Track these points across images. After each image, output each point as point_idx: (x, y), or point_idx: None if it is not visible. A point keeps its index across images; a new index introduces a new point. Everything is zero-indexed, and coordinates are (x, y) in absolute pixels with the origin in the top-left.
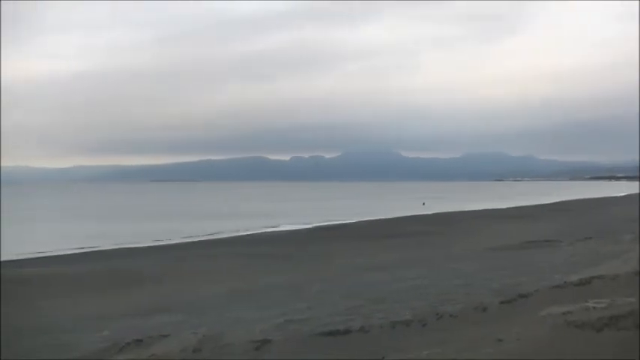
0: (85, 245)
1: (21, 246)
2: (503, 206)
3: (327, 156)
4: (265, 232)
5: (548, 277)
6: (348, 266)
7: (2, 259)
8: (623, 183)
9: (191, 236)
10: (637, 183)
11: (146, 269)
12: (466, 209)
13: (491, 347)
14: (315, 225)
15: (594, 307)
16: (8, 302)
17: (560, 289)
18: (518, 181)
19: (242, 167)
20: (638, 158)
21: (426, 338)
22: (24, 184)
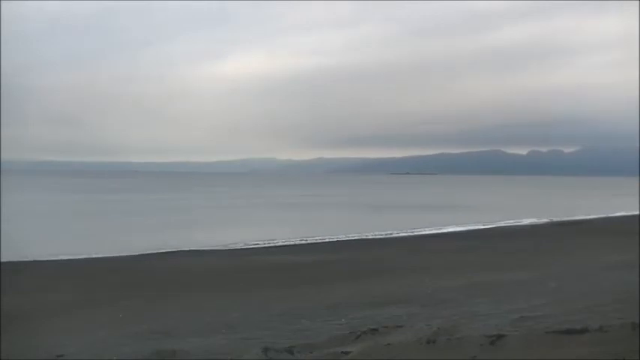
0: (327, 235)
1: (263, 233)
2: None
3: (566, 150)
4: (504, 226)
5: None
6: (588, 263)
7: (254, 246)
8: None
9: (428, 228)
10: None
11: (384, 260)
12: None
13: None
14: (554, 219)
15: None
16: (262, 288)
17: None
18: None
19: (478, 161)
20: None
21: None
22: (269, 175)
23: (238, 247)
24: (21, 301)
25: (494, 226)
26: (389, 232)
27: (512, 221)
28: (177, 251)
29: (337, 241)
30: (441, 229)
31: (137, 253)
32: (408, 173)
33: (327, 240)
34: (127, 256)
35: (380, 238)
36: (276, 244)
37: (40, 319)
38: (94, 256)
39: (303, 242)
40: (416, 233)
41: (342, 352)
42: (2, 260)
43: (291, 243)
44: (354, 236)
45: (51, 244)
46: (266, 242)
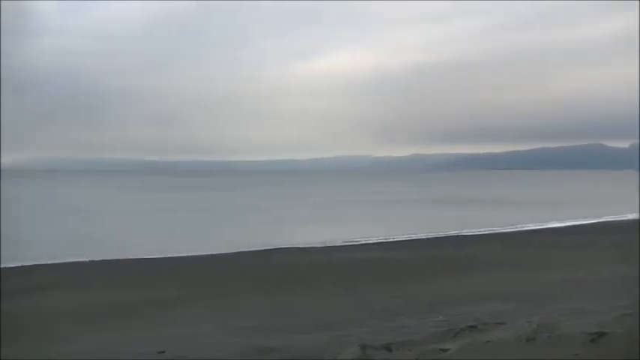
0: (423, 231)
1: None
2: None
3: None
4: (605, 221)
5: None
6: None
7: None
8: None
9: (528, 224)
10: None
11: (482, 256)
12: None
13: None
14: None
15: None
16: (360, 285)
17: None
18: None
19: (578, 155)
20: None
21: None
22: (366, 172)
23: (337, 244)
24: (127, 297)
25: (595, 221)
26: (488, 228)
27: (613, 216)
28: (278, 249)
29: (435, 237)
30: (540, 224)
31: (239, 251)
32: (505, 168)
33: (424, 237)
34: (229, 254)
35: (479, 234)
36: (374, 241)
37: (145, 315)
38: (198, 253)
39: (400, 239)
40: (515, 229)
41: (440, 349)
42: (107, 258)
43: (388, 240)
44: (452, 232)
45: (156, 242)
46: (363, 239)
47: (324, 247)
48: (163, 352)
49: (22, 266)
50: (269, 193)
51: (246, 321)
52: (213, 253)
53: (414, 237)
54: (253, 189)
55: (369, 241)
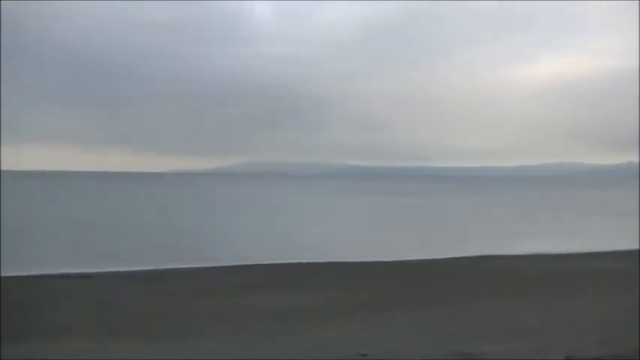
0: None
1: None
2: None
3: None
4: None
5: None
6: None
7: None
8: None
9: None
10: None
11: None
12: None
13: None
14: None
15: None
16: (565, 295)
17: None
18: None
19: None
20: None
21: None
22: (576, 180)
23: (547, 252)
24: (332, 299)
25: None
26: None
27: None
28: (485, 256)
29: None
30: None
31: (449, 257)
32: None
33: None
34: (439, 259)
35: None
36: (583, 252)
37: (349, 317)
38: (406, 258)
39: (609, 250)
40: None
41: None
42: (313, 260)
43: (597, 251)
44: None
45: (363, 246)
46: (573, 249)
47: (533, 256)
48: (366, 355)
49: (233, 266)
50: (479, 201)
51: (448, 326)
52: (423, 258)
53: (625, 248)
54: (463, 195)
55: (580, 251)
